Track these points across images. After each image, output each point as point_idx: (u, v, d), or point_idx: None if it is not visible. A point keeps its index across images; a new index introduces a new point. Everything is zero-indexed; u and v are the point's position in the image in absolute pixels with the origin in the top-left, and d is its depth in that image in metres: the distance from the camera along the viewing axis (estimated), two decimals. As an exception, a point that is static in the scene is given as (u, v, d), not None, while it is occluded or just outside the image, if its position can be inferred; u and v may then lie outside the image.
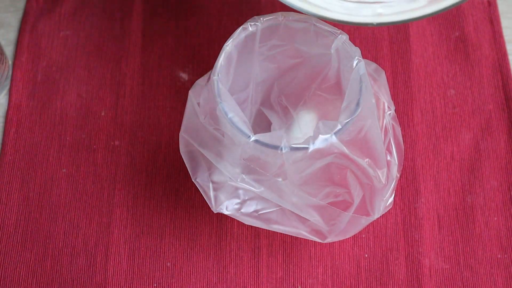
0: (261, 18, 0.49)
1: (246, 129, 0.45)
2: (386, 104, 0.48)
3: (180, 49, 0.65)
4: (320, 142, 0.44)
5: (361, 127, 0.45)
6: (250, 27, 0.48)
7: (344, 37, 0.48)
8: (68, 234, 0.57)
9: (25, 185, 0.59)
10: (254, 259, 0.56)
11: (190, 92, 0.49)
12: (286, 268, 0.56)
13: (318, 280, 0.55)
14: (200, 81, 0.50)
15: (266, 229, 0.53)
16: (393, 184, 0.48)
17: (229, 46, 0.48)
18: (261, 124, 0.57)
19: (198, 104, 0.48)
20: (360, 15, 0.48)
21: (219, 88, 0.46)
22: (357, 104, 0.45)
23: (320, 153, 0.44)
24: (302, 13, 0.48)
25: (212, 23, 0.66)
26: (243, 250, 0.56)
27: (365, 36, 0.65)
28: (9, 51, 0.65)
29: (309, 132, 0.55)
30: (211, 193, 0.48)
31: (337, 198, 0.48)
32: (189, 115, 0.49)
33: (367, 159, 0.46)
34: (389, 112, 0.48)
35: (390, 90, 0.51)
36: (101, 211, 0.58)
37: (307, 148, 0.44)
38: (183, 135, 0.49)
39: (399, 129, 0.50)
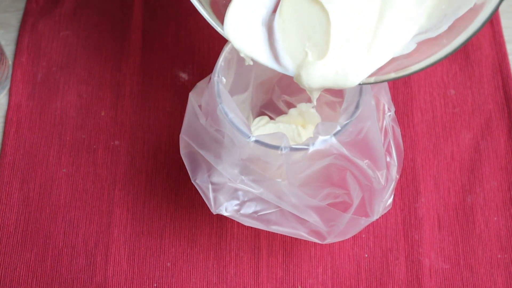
0: None
1: (246, 130, 0.45)
2: (386, 106, 0.48)
3: (180, 49, 0.65)
4: (320, 143, 0.44)
5: (360, 128, 0.45)
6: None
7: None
8: (68, 234, 0.57)
9: (25, 185, 0.59)
10: (254, 259, 0.56)
11: (191, 95, 0.49)
12: (286, 268, 0.56)
13: (318, 280, 0.55)
14: (201, 84, 0.50)
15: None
16: (392, 186, 0.48)
17: (229, 46, 0.48)
18: (261, 124, 0.57)
19: (199, 106, 0.48)
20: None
21: (219, 88, 0.46)
22: (357, 106, 0.45)
23: (320, 154, 0.44)
24: None
25: (212, 23, 0.66)
26: (243, 250, 0.56)
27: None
28: (9, 51, 0.65)
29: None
30: (211, 195, 0.48)
31: (336, 199, 0.48)
32: (189, 117, 0.49)
33: (367, 161, 0.46)
34: (389, 113, 0.48)
35: (390, 91, 0.51)
36: (101, 211, 0.58)
37: (306, 149, 0.44)
38: (183, 137, 0.49)
39: (399, 130, 0.50)
